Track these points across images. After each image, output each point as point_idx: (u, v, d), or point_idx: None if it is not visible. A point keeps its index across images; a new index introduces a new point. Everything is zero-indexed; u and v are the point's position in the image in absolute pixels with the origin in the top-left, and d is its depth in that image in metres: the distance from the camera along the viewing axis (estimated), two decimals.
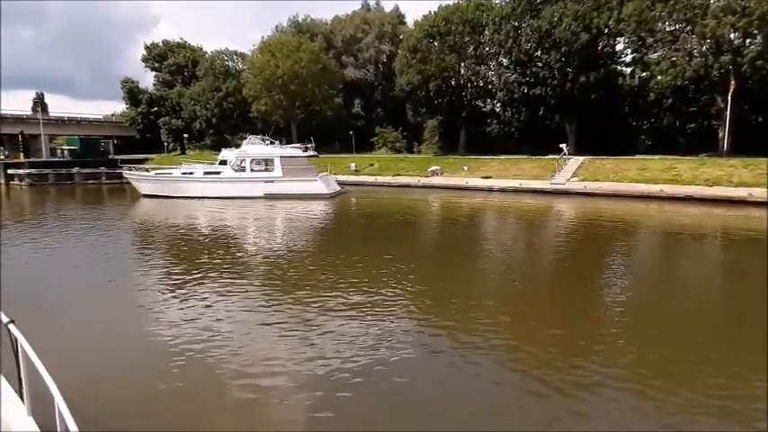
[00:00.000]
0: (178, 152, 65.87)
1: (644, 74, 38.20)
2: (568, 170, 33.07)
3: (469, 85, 47.95)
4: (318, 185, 31.23)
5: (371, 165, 44.28)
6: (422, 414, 6.06)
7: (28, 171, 46.55)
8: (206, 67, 63.13)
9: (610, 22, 36.22)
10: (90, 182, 45.86)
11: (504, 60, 43.22)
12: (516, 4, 40.39)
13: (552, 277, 13.00)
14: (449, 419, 5.93)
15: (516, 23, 40.46)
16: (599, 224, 20.32)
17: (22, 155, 53.48)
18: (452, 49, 45.81)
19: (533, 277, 12.83)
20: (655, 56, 36.10)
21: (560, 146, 35.00)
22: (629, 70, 40.91)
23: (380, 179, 39.86)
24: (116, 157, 57.23)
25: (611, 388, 6.49)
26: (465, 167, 38.22)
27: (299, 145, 35.15)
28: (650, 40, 35.50)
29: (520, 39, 39.65)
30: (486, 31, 44.01)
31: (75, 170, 47.59)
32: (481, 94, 48.88)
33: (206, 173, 33.04)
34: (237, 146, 39.90)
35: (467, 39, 45.36)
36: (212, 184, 31.86)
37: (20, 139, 55.17)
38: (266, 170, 31.81)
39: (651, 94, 37.29)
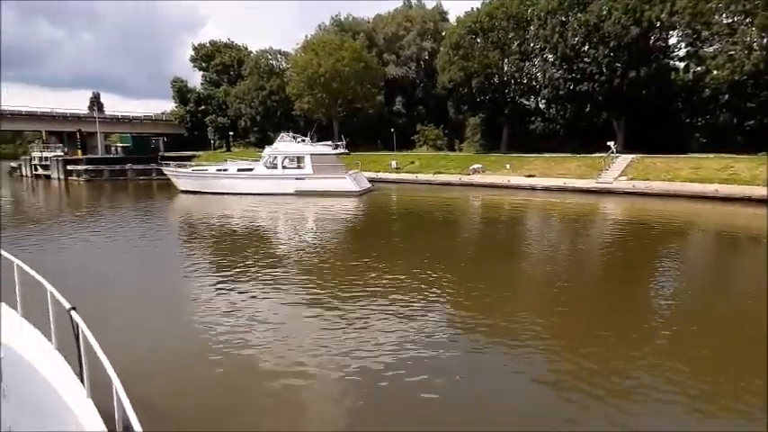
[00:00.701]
0: (224, 149, 67.69)
1: (699, 68, 36.54)
2: (616, 169, 32.00)
3: (513, 81, 47.05)
4: (347, 183, 31.40)
5: (412, 162, 44.18)
6: (459, 415, 6.00)
7: (85, 167, 48.97)
8: (251, 66, 64.54)
9: (662, 15, 34.77)
10: (141, 178, 47.71)
11: (550, 56, 42.13)
12: None
13: (598, 279, 12.62)
14: (485, 421, 5.85)
15: (563, 18, 39.37)
16: (648, 225, 19.55)
17: (80, 152, 56.32)
18: (496, 46, 45.07)
19: (578, 279, 12.45)
20: (711, 49, 34.43)
21: (608, 143, 33.93)
22: (682, 65, 39.17)
23: (421, 177, 39.71)
24: (165, 153, 59.50)
25: (657, 400, 6.24)
26: (507, 166, 37.59)
27: (329, 143, 35.38)
28: (706, 33, 33.87)
29: (566, 34, 38.56)
30: (532, 27, 43.03)
31: (128, 166, 49.69)
32: (525, 91, 47.89)
33: (239, 170, 33.88)
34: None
35: (511, 35, 44.54)
36: (245, 181, 32.62)
37: (78, 136, 58.13)
38: (298, 167, 32.24)
39: (706, 90, 35.60)
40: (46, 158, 53.38)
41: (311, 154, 32.29)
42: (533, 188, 32.21)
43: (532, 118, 49.56)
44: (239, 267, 13.03)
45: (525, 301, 10.50)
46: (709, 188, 26.06)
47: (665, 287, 11.47)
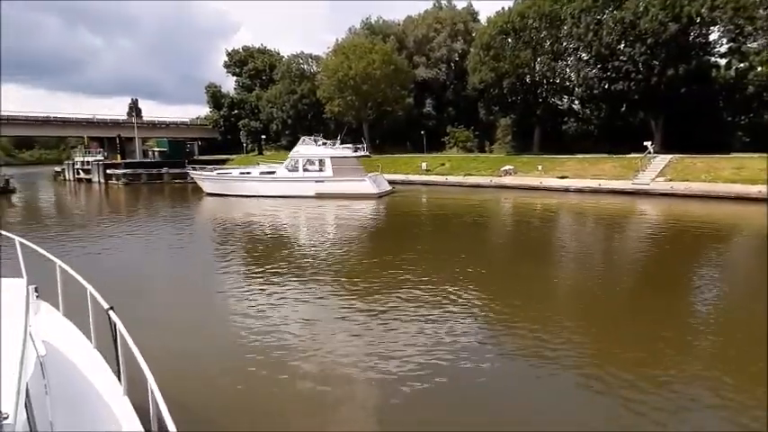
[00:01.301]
0: (256, 152, 68.83)
1: (741, 65, 35.09)
2: (653, 169, 31.05)
3: (545, 81, 46.26)
4: (367, 185, 31.47)
5: (442, 164, 43.93)
6: (487, 419, 5.90)
7: (124, 171, 50.61)
8: (282, 70, 65.46)
9: (702, 10, 33.57)
10: (176, 181, 48.94)
11: (584, 55, 41.23)
12: None
13: (635, 285, 12.23)
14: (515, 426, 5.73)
15: (597, 16, 38.48)
16: (687, 228, 18.87)
17: (119, 156, 58.22)
18: (527, 46, 44.41)
19: (613, 284, 12.11)
20: (754, 45, 33.04)
21: (645, 144, 32.97)
22: (724, 61, 37.69)
23: (451, 179, 39.45)
24: (200, 157, 60.93)
25: (697, 411, 5.99)
26: (539, 167, 36.97)
27: (349, 145, 35.56)
28: (749, 28, 32.52)
29: (601, 32, 37.66)
30: (565, 26, 42.21)
31: (164, 170, 51.14)
32: (558, 91, 47.04)
33: (262, 173, 34.47)
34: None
35: (543, 34, 43.82)
36: (267, 184, 33.11)
37: (117, 141, 60.14)
38: (319, 170, 32.43)
39: (749, 87, 34.17)
40: (87, 163, 55.38)
41: (331, 157, 32.51)
42: (567, 190, 31.57)
43: (565, 118, 48.65)
44: (268, 269, 13.21)
45: (559, 306, 10.27)
46: (753, 189, 24.99)
47: (705, 293, 11.03)
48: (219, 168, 40.66)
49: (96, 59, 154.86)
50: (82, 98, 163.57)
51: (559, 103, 48.68)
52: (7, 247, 5.50)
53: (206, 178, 36.10)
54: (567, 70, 45.08)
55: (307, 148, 33.75)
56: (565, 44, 43.26)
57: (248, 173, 35.27)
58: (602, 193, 29.75)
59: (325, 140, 35.50)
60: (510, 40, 45.13)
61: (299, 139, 37.24)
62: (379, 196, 31.10)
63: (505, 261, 15.05)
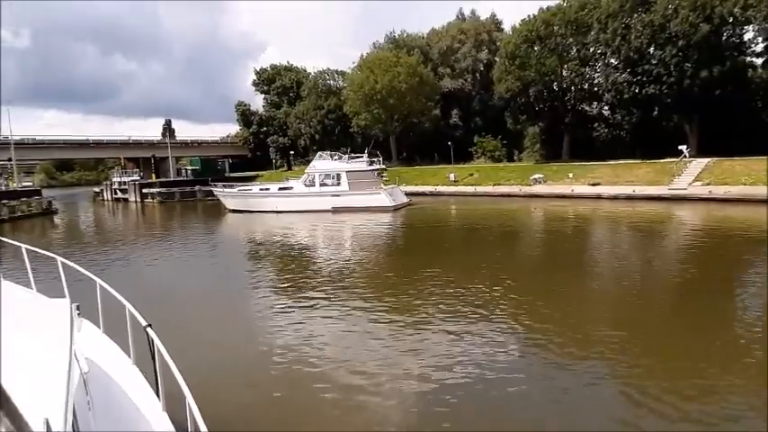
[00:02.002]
0: (285, 168, 69.88)
1: None
2: (690, 174, 30.16)
3: (573, 88, 45.69)
4: (382, 198, 31.46)
5: (471, 175, 43.67)
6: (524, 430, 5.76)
7: (158, 190, 52.10)
8: (309, 87, 66.51)
9: (735, 10, 32.65)
10: (209, 198, 49.96)
11: (612, 60, 40.60)
12: (624, 0, 37.84)
13: (676, 294, 11.80)
14: None
15: (625, 20, 37.86)
16: (728, 233, 18.18)
17: (153, 175, 60.02)
18: (554, 53, 44.03)
19: (654, 293, 11.71)
20: None
21: (679, 148, 32.08)
22: (760, 61, 36.54)
23: (480, 189, 39.14)
24: (231, 174, 62.24)
25: (745, 421, 5.70)
26: (570, 174, 36.37)
27: (364, 159, 35.67)
28: None
29: (629, 36, 37.02)
30: (591, 31, 41.72)
31: (196, 188, 52.42)
32: (586, 97, 46.39)
33: (280, 188, 34.97)
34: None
35: (569, 40, 43.39)
36: (285, 199, 33.50)
37: (152, 161, 62.05)
38: (335, 185, 32.61)
39: None
40: (124, 183, 57.27)
41: (347, 171, 32.71)
42: (599, 197, 30.91)
43: (595, 124, 47.85)
44: (295, 283, 13.33)
45: (595, 317, 9.98)
46: None
47: (751, 303, 10.55)
48: (248, 185, 41.35)
49: (131, 83, 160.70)
50: (117, 121, 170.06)
51: (588, 109, 47.96)
52: (51, 267, 5.71)
53: (228, 195, 36.77)
54: (596, 76, 44.46)
55: (323, 163, 34.12)
56: (592, 50, 42.73)
57: (267, 189, 35.86)
58: (637, 199, 29.00)
59: (354, 155, 35.75)
60: (535, 47, 44.81)
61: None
62: (395, 209, 31.08)
63: (537, 271, 14.75)
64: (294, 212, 31.75)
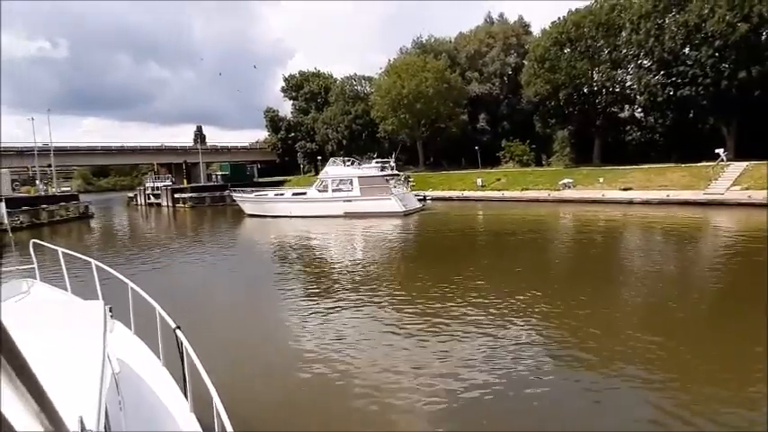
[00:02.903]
0: (312, 173, 70.50)
1: None
2: (728, 178, 29.13)
3: (604, 91, 44.78)
4: (392, 203, 31.51)
5: (498, 179, 43.20)
6: None
7: (189, 195, 53.25)
8: (336, 92, 67.08)
9: None
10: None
11: (645, 61, 39.66)
12: (657, 1, 36.94)
13: (714, 303, 11.38)
14: None
15: (658, 21, 36.95)
16: None
17: (185, 181, 61.41)
18: (584, 55, 43.29)
19: (690, 303, 11.31)
20: None
21: (716, 151, 31.06)
22: None
23: (508, 194, 38.67)
24: (260, 179, 63.17)
25: None
26: (601, 179, 35.59)
27: (374, 164, 35.95)
28: None
29: (663, 37, 36.09)
30: (623, 33, 40.88)
31: (226, 193, 53.26)
32: (618, 100, 45.39)
33: (294, 194, 35.56)
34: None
35: (600, 42, 42.60)
36: (299, 204, 33.97)
37: (184, 167, 63.52)
38: (348, 190, 32.87)
39: None
40: (157, 188, 58.75)
41: (359, 177, 33.02)
42: (631, 202, 30.18)
43: (627, 128, 46.71)
44: (314, 288, 13.37)
45: (628, 326, 9.68)
46: None
47: None
48: (266, 190, 41.86)
49: (164, 91, 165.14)
50: (150, 127, 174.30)
51: (620, 112, 46.89)
52: (87, 269, 5.89)
53: (246, 200, 37.43)
54: (628, 78, 43.50)
55: (335, 169, 34.60)
56: (624, 51, 41.83)
57: (282, 194, 36.49)
58: (671, 204, 28.19)
59: (380, 160, 36.04)
60: (565, 50, 44.16)
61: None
62: (405, 214, 31.10)
63: (566, 278, 14.44)
64: (308, 217, 32.13)
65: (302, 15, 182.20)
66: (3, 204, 25.84)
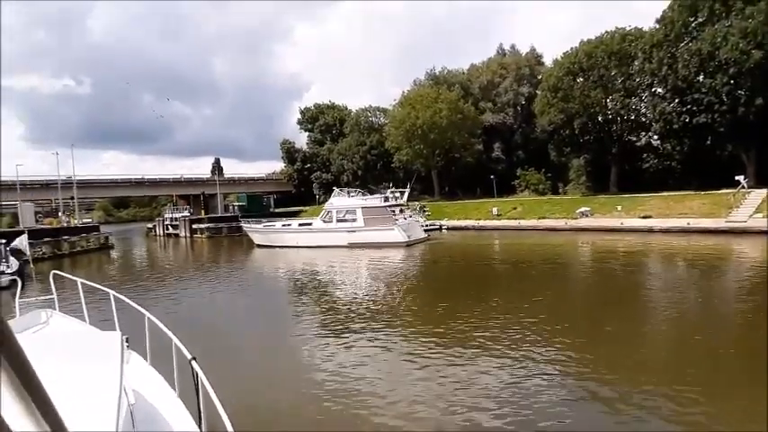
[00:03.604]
0: None
1: None
2: (749, 205, 28.60)
3: (619, 119, 44.79)
4: (395, 234, 31.48)
5: (514, 208, 43.01)
6: None
7: (207, 225, 53.86)
8: (351, 124, 68.10)
9: None
10: None
11: (659, 89, 39.70)
12: (668, 30, 37.20)
13: (738, 338, 11.00)
14: None
15: (671, 49, 37.11)
16: None
17: (203, 211, 62.23)
18: (597, 84, 43.52)
19: (711, 336, 10.94)
20: None
21: (737, 178, 30.61)
22: None
23: (524, 223, 38.42)
24: (276, 209, 63.74)
25: None
26: (619, 207, 35.23)
27: (378, 195, 36.41)
28: None
29: (676, 65, 36.18)
30: (636, 62, 41.13)
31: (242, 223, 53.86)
32: (633, 128, 45.32)
33: (300, 224, 35.92)
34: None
35: (613, 71, 42.87)
36: (304, 235, 34.29)
37: (202, 198, 64.45)
38: (352, 220, 32.99)
39: None
40: (175, 219, 59.59)
41: (362, 207, 33.14)
42: (650, 230, 29.74)
43: (644, 155, 46.40)
44: (326, 318, 13.27)
45: (654, 368, 9.37)
46: None
47: None
48: (276, 220, 42.16)
49: (183, 125, 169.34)
50: (169, 160, 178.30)
51: (636, 140, 46.70)
52: (105, 299, 5.95)
53: (254, 231, 37.80)
54: (642, 106, 43.50)
55: (339, 200, 34.88)
56: (637, 80, 42.02)
57: (289, 225, 36.88)
58: (692, 232, 27.69)
59: (396, 189, 36.35)
60: (578, 79, 44.48)
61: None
62: (408, 244, 31.01)
63: (585, 310, 14.14)
64: (313, 248, 32.28)
65: (318, 50, 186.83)
66: (25, 236, 26.33)
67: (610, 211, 35.48)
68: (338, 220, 33.44)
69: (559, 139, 47.72)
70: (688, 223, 28.77)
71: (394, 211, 34.58)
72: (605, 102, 44.58)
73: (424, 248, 30.57)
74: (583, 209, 36.54)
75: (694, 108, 35.95)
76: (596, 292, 16.78)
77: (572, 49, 45.64)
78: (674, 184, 39.07)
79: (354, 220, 32.95)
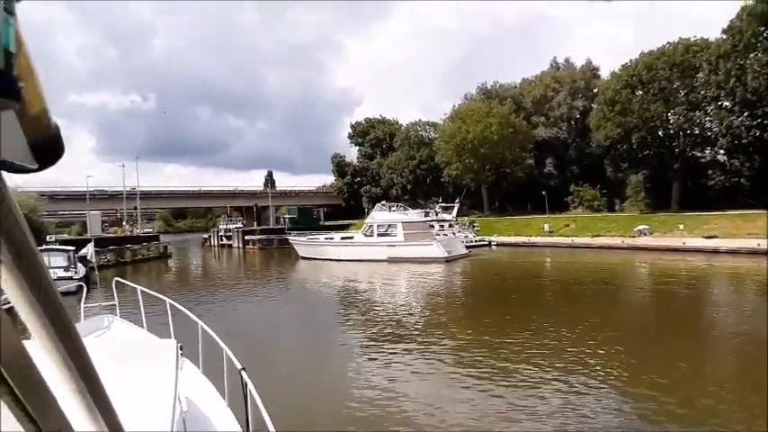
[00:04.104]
0: None
1: None
2: None
3: (681, 134, 42.76)
4: (434, 249, 31.22)
5: (567, 225, 41.75)
6: None
7: (258, 237, 55.32)
8: (402, 138, 68.51)
9: None
10: None
11: (726, 103, 37.68)
12: (737, 40, 35.35)
13: None
14: None
15: (739, 61, 35.22)
16: None
17: (255, 223, 64.04)
18: (658, 97, 41.79)
19: None
20: None
21: None
22: None
23: (577, 240, 37.15)
24: (325, 222, 64.72)
25: None
26: (681, 226, 33.48)
27: (418, 210, 36.54)
28: None
29: (745, 77, 34.31)
30: (700, 74, 39.27)
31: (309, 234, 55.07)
32: (697, 143, 43.11)
33: (342, 238, 36.27)
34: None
35: (676, 84, 41.07)
36: (346, 248, 34.52)
37: (254, 210, 66.38)
38: (392, 235, 33.05)
39: None
40: (229, 230, 61.61)
41: (403, 222, 33.16)
42: (716, 251, 28.01)
43: (709, 171, 44.01)
44: (371, 330, 13.20)
45: (719, 394, 8.76)
46: None
47: None
48: (317, 234, 42.82)
49: (238, 139, 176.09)
50: (225, 173, 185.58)
51: (700, 155, 44.40)
52: (161, 306, 6.17)
53: (299, 243, 38.56)
54: (707, 120, 41.39)
55: (381, 215, 35.14)
56: (702, 93, 40.04)
57: (332, 238, 37.29)
58: (762, 254, 25.84)
59: (444, 204, 36.22)
60: (637, 93, 42.91)
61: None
62: (447, 260, 30.59)
63: (644, 336, 13.40)
64: (354, 261, 32.48)
65: (370, 65, 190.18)
66: (92, 244, 27.92)
67: (671, 230, 33.76)
68: (379, 235, 33.64)
69: (616, 154, 46.05)
70: (758, 244, 26.88)
71: (433, 226, 34.54)
72: (666, 116, 42.71)
73: (464, 264, 30.15)
74: (641, 227, 34.96)
75: (765, 122, 33.86)
76: (655, 317, 15.89)
77: (631, 61, 44.17)
78: (743, 203, 36.73)
79: (395, 235, 33.09)
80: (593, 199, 50.65)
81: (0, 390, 0.46)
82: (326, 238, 37.60)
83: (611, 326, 13.38)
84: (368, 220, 35.87)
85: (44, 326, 0.49)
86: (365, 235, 34.34)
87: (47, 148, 0.42)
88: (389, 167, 68.59)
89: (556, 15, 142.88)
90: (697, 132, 42.28)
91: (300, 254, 37.71)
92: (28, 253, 0.43)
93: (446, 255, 31.18)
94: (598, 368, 9.50)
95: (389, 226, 33.60)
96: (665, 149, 43.28)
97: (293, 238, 40.01)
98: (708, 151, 43.73)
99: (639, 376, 9.07)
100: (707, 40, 40.30)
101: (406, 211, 35.72)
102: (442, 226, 41.18)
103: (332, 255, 34.74)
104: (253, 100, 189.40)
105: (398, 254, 31.93)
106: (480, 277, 25.86)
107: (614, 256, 30.50)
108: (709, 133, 41.34)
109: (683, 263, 25.69)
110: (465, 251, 34.01)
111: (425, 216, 35.27)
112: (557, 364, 9.74)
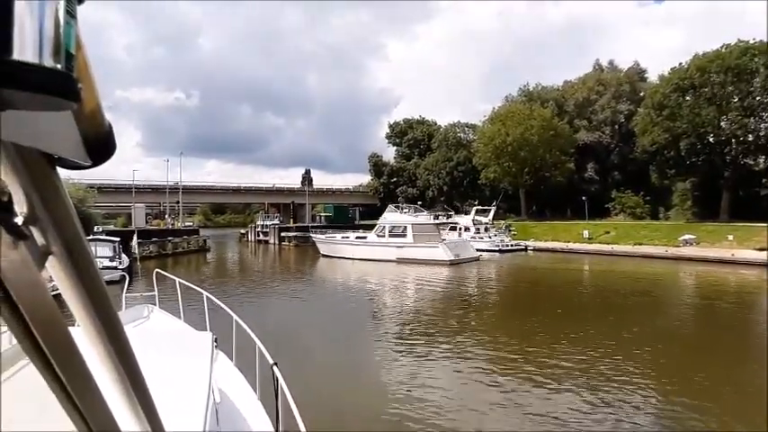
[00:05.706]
0: None
1: None
2: None
3: (734, 140, 40.83)
4: (439, 252, 31.37)
5: (607, 232, 40.55)
6: None
7: (294, 234, 56.03)
8: (440, 139, 68.11)
9: None
10: None
11: None
12: None
13: None
14: None
15: None
16: None
17: (292, 220, 64.94)
18: (710, 102, 40.02)
19: None
20: None
21: None
22: None
23: (618, 248, 36.01)
24: (360, 222, 65.02)
25: None
26: (730, 236, 31.99)
27: (426, 212, 36.92)
28: None
29: None
30: (757, 78, 37.42)
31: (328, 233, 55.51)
32: (751, 150, 41.08)
33: (357, 237, 36.85)
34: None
35: (730, 88, 39.24)
36: (360, 247, 35.03)
37: (291, 207, 67.33)
38: (402, 236, 33.36)
39: None
40: (266, 226, 62.63)
41: (412, 224, 33.56)
42: None
43: (763, 180, 41.89)
44: (400, 329, 13.10)
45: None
46: None
47: None
48: (352, 232, 43.09)
49: (277, 137, 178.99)
50: (264, 170, 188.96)
51: (754, 163, 42.31)
52: (198, 298, 6.28)
53: (321, 241, 39.18)
54: (763, 127, 39.39)
55: (392, 216, 35.55)
56: (759, 98, 38.14)
57: (347, 237, 37.80)
58: None
59: (480, 207, 36.08)
60: (687, 97, 41.21)
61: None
62: (452, 263, 30.36)
63: (691, 349, 12.83)
64: (366, 260, 32.82)
65: (409, 66, 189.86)
66: (135, 236, 28.90)
67: (719, 241, 32.30)
68: (390, 236, 34.04)
69: (662, 161, 44.38)
70: None
71: (444, 229, 34.90)
72: (718, 121, 40.87)
73: (471, 268, 29.77)
74: (687, 236, 33.60)
75: None
76: (698, 333, 15.20)
77: (681, 64, 42.50)
78: None
79: (405, 236, 33.44)
80: (636, 206, 49.00)
81: (52, 386, 0.47)
82: (343, 237, 38.25)
83: (649, 341, 12.85)
84: (380, 220, 36.34)
85: (89, 314, 0.50)
86: (377, 235, 34.88)
87: (99, 146, 0.44)
88: (426, 168, 68.31)
89: (603, 17, 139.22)
90: (751, 139, 40.28)
91: (321, 251, 38.35)
92: (77, 243, 0.45)
93: (451, 258, 31.18)
94: (628, 387, 9.13)
95: (400, 227, 34.05)
96: (716, 156, 41.43)
97: (316, 236, 40.91)
98: (762, 159, 41.64)
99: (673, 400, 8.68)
100: (765, 43, 38.34)
101: (416, 214, 36.14)
102: (478, 229, 40.81)
103: (347, 253, 35.33)
104: (293, 99, 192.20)
105: (406, 255, 32.28)
106: (489, 283, 25.37)
107: (657, 266, 29.37)
108: (764, 141, 39.32)
109: (733, 275, 24.56)
110: (475, 255, 33.85)
111: (435, 219, 36.02)
112: (584, 377, 9.43)
